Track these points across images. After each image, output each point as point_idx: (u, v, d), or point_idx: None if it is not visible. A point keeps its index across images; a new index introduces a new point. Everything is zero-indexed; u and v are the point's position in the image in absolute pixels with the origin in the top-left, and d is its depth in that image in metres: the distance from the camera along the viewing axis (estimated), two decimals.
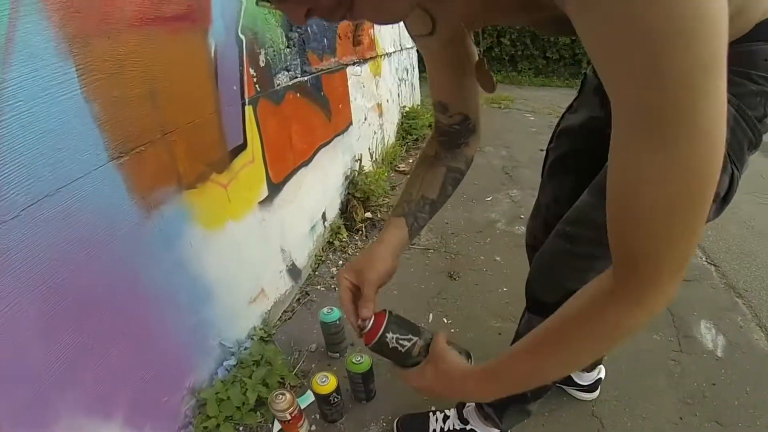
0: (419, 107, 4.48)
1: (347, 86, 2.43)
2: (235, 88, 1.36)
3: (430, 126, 4.21)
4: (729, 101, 0.71)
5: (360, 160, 2.66)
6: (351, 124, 2.47)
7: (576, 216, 0.89)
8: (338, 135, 2.27)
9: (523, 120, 5.37)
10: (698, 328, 1.76)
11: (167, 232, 1.15)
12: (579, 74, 8.81)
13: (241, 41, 1.39)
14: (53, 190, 0.85)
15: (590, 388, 1.42)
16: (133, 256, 1.06)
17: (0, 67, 0.74)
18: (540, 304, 1.01)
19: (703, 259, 2.27)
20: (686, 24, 0.34)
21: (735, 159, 0.72)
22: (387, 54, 3.37)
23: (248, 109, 1.44)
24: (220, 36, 1.28)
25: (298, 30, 1.79)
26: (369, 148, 2.91)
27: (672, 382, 1.53)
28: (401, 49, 3.86)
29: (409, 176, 0.93)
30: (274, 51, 1.60)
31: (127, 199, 1.02)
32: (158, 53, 1.07)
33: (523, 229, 1.34)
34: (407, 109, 4.20)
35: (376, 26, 2.96)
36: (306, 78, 1.81)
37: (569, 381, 1.42)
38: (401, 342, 0.78)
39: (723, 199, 0.75)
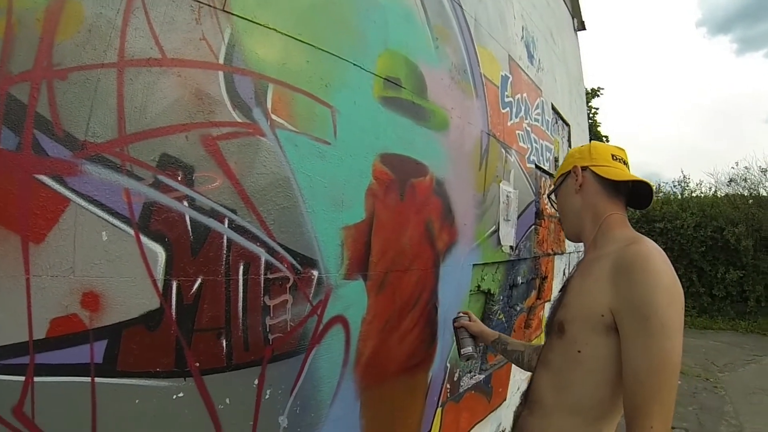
0: None
1: (510, 370, 2.93)
2: (435, 398, 1.99)
3: None
4: None
5: (504, 430, 3.01)
6: (504, 400, 2.92)
7: None
8: (492, 412, 2.73)
9: None
10: None
11: None
12: (746, 313, 7.82)
13: (447, 368, 2.04)
14: None
15: None
16: None
17: None
18: None
19: None
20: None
21: None
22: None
23: (438, 411, 2.04)
24: (433, 370, 1.93)
25: None
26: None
27: None
28: None
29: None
30: (464, 364, 2.23)
31: None
32: (399, 384, 1.74)
33: None
34: None
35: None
36: (482, 376, 2.39)
37: None
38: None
39: None
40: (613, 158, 1.16)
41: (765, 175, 9.05)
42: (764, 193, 8.89)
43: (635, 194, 1.18)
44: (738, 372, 5.37)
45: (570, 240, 1.31)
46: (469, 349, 1.52)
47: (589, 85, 12.73)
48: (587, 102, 11.75)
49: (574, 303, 1.05)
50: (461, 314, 1.60)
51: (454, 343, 1.58)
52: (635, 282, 0.92)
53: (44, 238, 0.90)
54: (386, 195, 1.55)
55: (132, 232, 1.01)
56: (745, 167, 9.45)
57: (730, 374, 5.27)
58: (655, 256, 0.95)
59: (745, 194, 8.97)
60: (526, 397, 1.17)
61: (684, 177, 11.05)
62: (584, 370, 1.01)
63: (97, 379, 0.95)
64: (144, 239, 1.03)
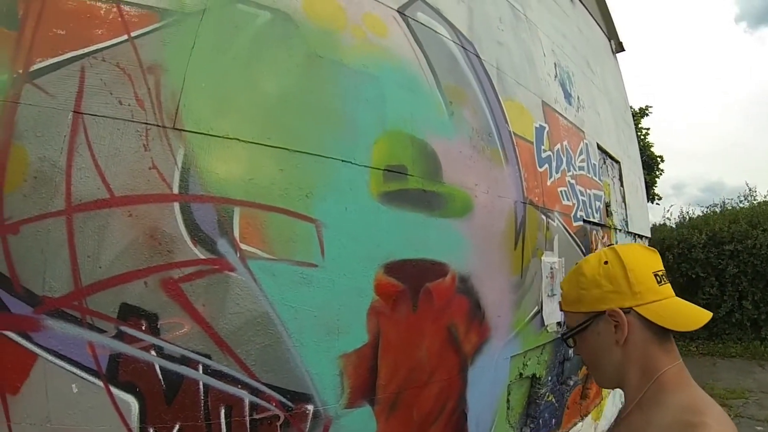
0: None
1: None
2: None
3: None
4: None
5: None
6: None
7: None
8: None
9: None
10: None
11: None
12: None
13: None
14: None
15: None
16: None
17: None
18: None
19: None
20: None
21: None
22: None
23: None
24: None
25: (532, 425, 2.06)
26: None
27: None
28: None
29: None
30: None
31: None
32: None
33: None
34: None
35: None
36: None
37: None
38: None
39: None
40: (656, 280, 0.80)
41: None
42: None
43: None
44: None
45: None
46: None
47: (636, 105, 11.44)
48: (636, 124, 10.25)
49: None
50: None
51: None
52: None
53: (19, 389, 0.91)
54: (394, 310, 1.30)
55: (101, 383, 0.99)
56: None
57: None
58: None
59: None
60: None
61: (750, 189, 9.09)
62: None
63: None
64: (114, 390, 1.00)
